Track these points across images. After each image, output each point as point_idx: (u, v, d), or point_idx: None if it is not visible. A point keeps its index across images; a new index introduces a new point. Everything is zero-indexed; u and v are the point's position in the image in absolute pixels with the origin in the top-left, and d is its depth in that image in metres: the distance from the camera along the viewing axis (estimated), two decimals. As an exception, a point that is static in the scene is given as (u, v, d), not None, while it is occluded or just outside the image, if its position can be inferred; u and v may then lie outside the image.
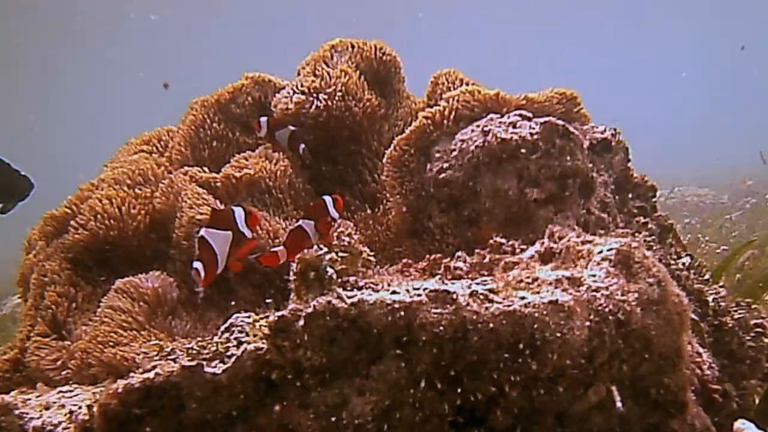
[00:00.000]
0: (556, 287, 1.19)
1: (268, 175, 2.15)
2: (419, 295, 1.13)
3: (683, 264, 2.14)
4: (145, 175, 2.32)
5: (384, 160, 2.17)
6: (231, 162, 2.21)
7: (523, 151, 1.91)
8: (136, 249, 2.18)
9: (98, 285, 2.14)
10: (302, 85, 2.31)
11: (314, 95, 2.28)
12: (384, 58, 2.47)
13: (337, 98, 2.27)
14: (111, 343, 1.83)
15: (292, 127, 2.25)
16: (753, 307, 1.97)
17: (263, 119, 2.25)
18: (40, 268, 2.20)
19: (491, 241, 1.48)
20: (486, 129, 1.96)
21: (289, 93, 2.32)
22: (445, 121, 2.11)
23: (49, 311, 2.07)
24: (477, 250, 1.44)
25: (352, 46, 2.44)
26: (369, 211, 2.26)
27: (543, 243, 1.38)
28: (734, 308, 1.97)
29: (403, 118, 2.48)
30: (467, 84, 2.32)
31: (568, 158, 1.93)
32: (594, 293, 1.18)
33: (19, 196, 2.47)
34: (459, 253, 1.44)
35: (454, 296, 1.13)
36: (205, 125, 2.45)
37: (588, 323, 1.15)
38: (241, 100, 2.48)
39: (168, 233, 2.15)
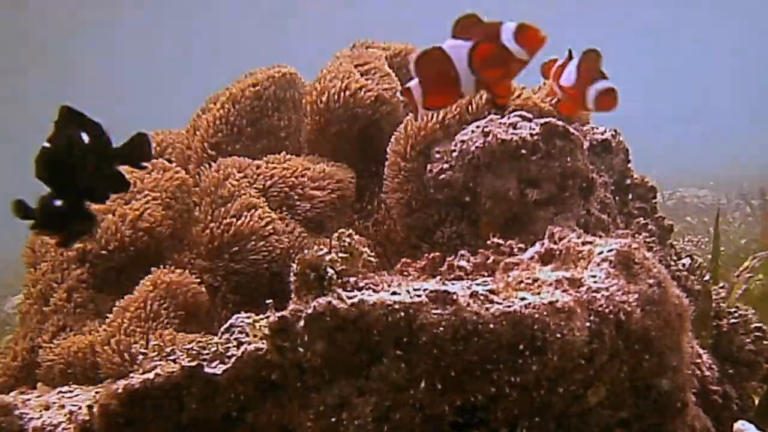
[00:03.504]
0: (556, 288, 1.18)
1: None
2: (419, 296, 1.12)
3: (683, 265, 2.14)
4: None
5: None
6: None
7: (523, 151, 1.91)
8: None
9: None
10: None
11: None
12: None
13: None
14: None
15: None
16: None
17: None
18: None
19: (489, 242, 1.48)
20: (486, 130, 1.96)
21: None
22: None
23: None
24: (480, 250, 1.44)
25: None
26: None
27: (543, 244, 1.38)
28: (734, 310, 1.97)
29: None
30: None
31: (569, 159, 1.93)
32: (594, 294, 1.18)
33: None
34: (462, 252, 1.44)
35: (455, 297, 1.12)
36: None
37: (588, 324, 1.15)
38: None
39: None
